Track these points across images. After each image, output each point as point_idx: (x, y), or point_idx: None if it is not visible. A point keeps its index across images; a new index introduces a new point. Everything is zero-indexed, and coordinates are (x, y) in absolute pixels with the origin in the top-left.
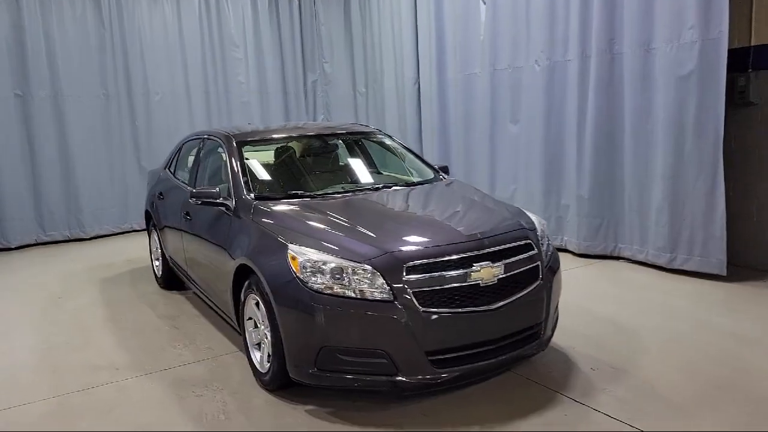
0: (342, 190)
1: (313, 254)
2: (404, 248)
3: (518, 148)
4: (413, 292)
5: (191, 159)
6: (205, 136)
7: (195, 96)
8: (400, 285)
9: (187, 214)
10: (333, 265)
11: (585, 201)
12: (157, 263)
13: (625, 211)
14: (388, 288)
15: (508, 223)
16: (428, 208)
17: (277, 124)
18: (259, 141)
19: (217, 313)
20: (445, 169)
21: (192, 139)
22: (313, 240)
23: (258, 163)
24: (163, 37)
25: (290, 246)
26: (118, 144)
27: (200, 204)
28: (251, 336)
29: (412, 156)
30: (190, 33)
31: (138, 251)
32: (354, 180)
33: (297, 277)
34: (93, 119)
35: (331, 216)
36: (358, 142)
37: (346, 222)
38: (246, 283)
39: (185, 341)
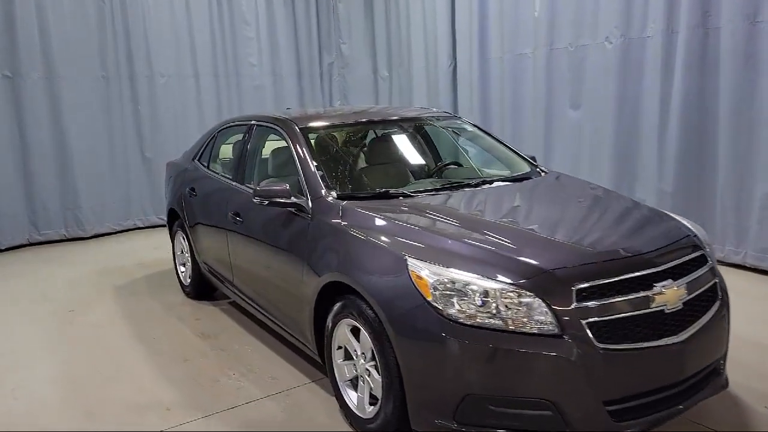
0: (437, 187)
1: (448, 272)
2: (567, 265)
3: (580, 135)
4: (587, 323)
5: (233, 149)
6: (253, 123)
7: (204, 79)
8: (569, 313)
9: (237, 214)
10: (476, 286)
11: (668, 195)
12: (182, 269)
13: (716, 208)
14: (552, 317)
15: (674, 230)
16: (556, 210)
17: (333, 109)
18: (326, 128)
19: (275, 330)
20: (533, 160)
21: (231, 126)
22: (440, 252)
23: (330, 154)
24: (169, 13)
25: (410, 260)
26: (120, 132)
27: (266, 204)
28: (342, 370)
29: (500, 145)
30: (198, 8)
31: (149, 252)
32: (443, 174)
33: (427, 302)
34: (91, 104)
35: (446, 220)
36: (434, 129)
37: (469, 228)
38: (338, 305)
39: (241, 369)
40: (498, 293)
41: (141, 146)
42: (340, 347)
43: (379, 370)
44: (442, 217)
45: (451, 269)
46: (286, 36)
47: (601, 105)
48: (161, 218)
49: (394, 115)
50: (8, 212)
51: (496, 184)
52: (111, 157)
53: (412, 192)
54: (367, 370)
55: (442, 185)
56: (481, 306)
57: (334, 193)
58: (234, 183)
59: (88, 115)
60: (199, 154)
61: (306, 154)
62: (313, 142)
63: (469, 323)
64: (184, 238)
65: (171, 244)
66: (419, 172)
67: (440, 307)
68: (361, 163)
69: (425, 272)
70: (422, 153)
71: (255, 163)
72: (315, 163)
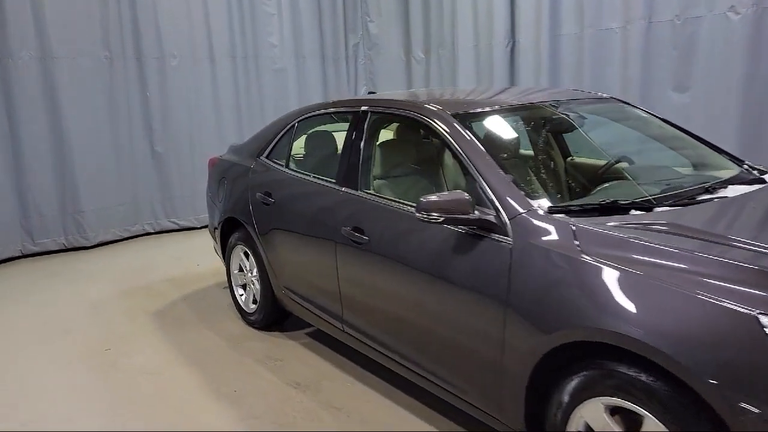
0: (667, 195)
1: None
2: None
3: (687, 122)
4: None
5: (331, 145)
6: (365, 110)
7: (220, 61)
8: None
9: (358, 230)
10: None
11: None
12: (241, 292)
13: None
14: None
15: None
16: None
17: (468, 89)
18: (489, 114)
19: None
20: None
21: (321, 114)
22: None
23: (505, 150)
24: None
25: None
26: (126, 122)
27: (440, 221)
28: None
29: (690, 138)
30: None
31: (172, 264)
32: (644, 176)
33: None
34: (93, 89)
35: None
36: (601, 117)
37: None
38: (581, 375)
39: None
40: None
41: (150, 139)
42: None
43: None
44: (739, 245)
45: None
46: (310, 12)
47: (718, 88)
48: (174, 222)
49: (570, 97)
50: None
51: (738, 189)
52: (116, 152)
53: (643, 202)
54: None
55: (671, 192)
56: None
57: (543, 206)
58: (343, 188)
59: (89, 102)
60: (269, 149)
61: (481, 152)
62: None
63: None
64: (249, 255)
65: (222, 259)
66: (613, 174)
67: None
68: (548, 161)
69: None
70: (609, 146)
71: (372, 162)
72: (498, 164)
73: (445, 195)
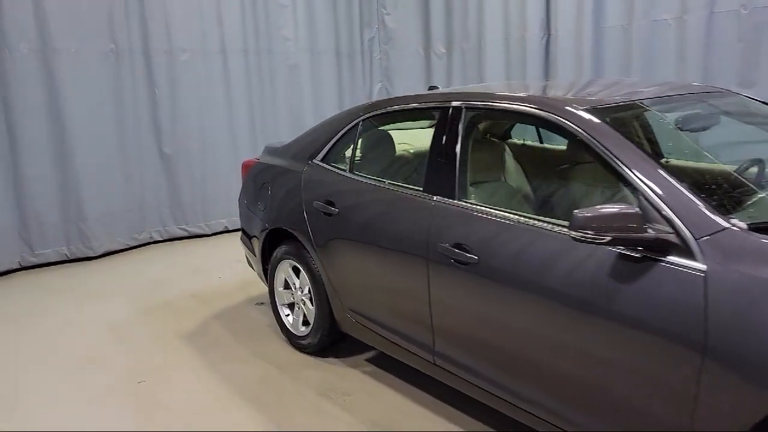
0: None
1: None
2: None
3: None
4: None
5: (405, 147)
6: (457, 106)
7: (232, 56)
8: None
9: (460, 247)
10: None
11: None
12: (286, 312)
13: None
14: None
15: None
16: None
17: (547, 82)
18: (630, 109)
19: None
20: None
21: (393, 111)
22: None
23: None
24: None
25: None
26: (132, 121)
27: (604, 242)
28: None
29: None
30: None
31: (191, 277)
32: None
33: None
34: (97, 85)
35: None
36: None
37: None
38: None
39: None
40: None
41: (158, 139)
42: None
43: None
44: None
45: None
46: (324, 4)
47: None
48: (184, 229)
49: (700, 90)
50: None
51: None
52: (122, 153)
53: None
54: None
55: None
56: None
57: (739, 223)
58: (434, 197)
59: (92, 99)
60: (325, 151)
61: (641, 155)
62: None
63: None
64: (300, 271)
65: (262, 276)
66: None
67: None
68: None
69: None
70: (740, 146)
71: (473, 167)
72: (666, 169)
73: (608, 209)
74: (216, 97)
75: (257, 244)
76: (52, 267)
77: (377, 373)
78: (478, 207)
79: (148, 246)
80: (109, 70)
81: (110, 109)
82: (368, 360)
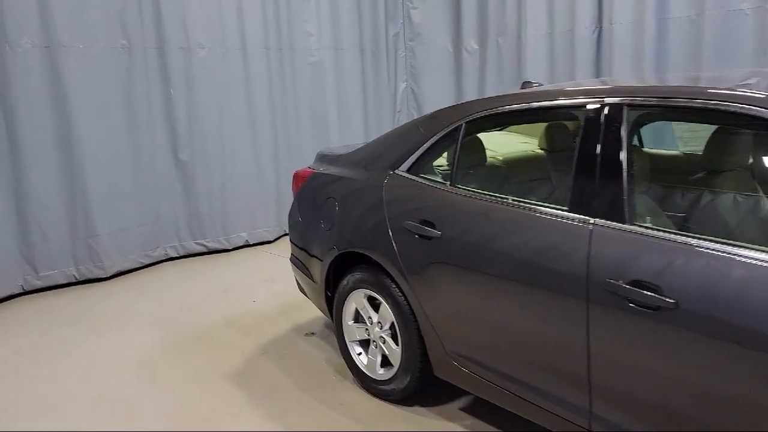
0: None
1: None
2: None
3: None
4: None
5: (534, 154)
6: (616, 103)
7: (253, 52)
8: None
9: (643, 286)
10: None
11: None
12: (359, 351)
13: None
14: None
15: None
16: None
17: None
18: None
19: None
20: None
21: (508, 111)
22: None
23: None
24: None
25: None
26: (146, 124)
27: None
28: None
29: None
30: None
31: (222, 300)
32: None
33: None
34: (107, 85)
35: None
36: None
37: None
38: None
39: None
40: None
41: (174, 144)
42: None
43: None
44: None
45: None
46: None
47: None
48: (202, 244)
49: None
50: None
51: None
52: (135, 161)
53: None
54: None
55: None
56: None
57: None
58: (592, 221)
59: (102, 100)
60: (412, 160)
61: None
62: None
63: None
64: (384, 304)
65: (326, 311)
66: None
67: None
68: None
69: None
70: None
71: (639, 182)
72: None
73: None
74: (236, 98)
75: (318, 269)
76: (59, 290)
77: (478, 426)
78: (670, 234)
79: (162, 264)
80: (121, 67)
81: (121, 112)
82: (463, 409)
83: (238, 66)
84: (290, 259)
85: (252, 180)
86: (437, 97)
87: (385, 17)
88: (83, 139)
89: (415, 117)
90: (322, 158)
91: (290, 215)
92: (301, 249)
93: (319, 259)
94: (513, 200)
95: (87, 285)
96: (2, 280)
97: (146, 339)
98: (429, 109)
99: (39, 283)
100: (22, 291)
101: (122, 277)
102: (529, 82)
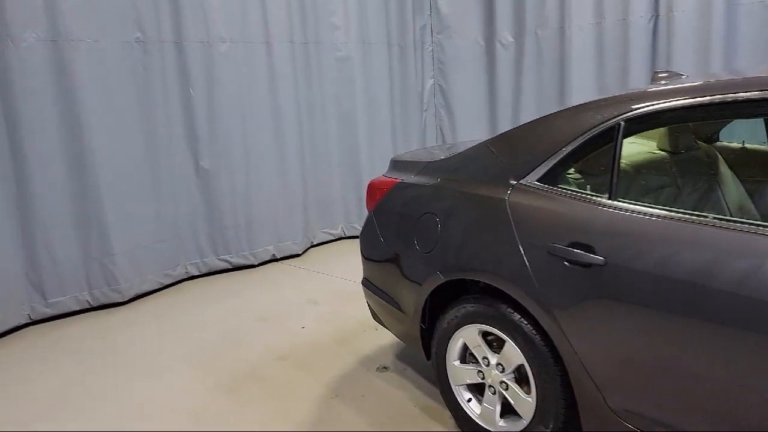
0: None
1: None
2: None
3: None
4: None
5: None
6: None
7: (277, 47)
8: None
9: None
10: None
11: None
12: (468, 397)
13: None
14: None
15: None
16: None
17: None
18: None
19: None
20: None
21: (686, 106)
22: None
23: None
24: None
25: None
26: (164, 128)
27: None
28: None
29: None
30: None
31: (263, 328)
32: None
33: None
34: (121, 83)
35: None
36: None
37: None
38: None
39: None
40: None
41: (194, 150)
42: None
43: None
44: None
45: None
46: None
47: None
48: (225, 260)
49: None
50: None
51: None
52: (152, 170)
53: None
54: None
55: None
56: None
57: None
58: None
59: (115, 101)
60: (547, 167)
61: None
62: None
63: None
64: (508, 342)
65: (420, 341)
66: None
67: None
68: None
69: None
70: None
71: None
72: None
73: None
74: (259, 97)
75: (411, 298)
76: (71, 318)
77: None
78: None
79: (183, 283)
80: (135, 64)
81: (137, 114)
82: None
83: (261, 62)
84: (362, 283)
85: (277, 187)
86: (467, 95)
87: (412, 8)
88: (94, 146)
89: (444, 116)
90: (403, 165)
91: (364, 232)
92: (383, 273)
93: (414, 287)
94: (713, 218)
95: (102, 311)
96: (6, 309)
97: (188, 381)
98: (458, 108)
99: (48, 311)
100: (29, 321)
101: (140, 300)
102: (661, 71)
